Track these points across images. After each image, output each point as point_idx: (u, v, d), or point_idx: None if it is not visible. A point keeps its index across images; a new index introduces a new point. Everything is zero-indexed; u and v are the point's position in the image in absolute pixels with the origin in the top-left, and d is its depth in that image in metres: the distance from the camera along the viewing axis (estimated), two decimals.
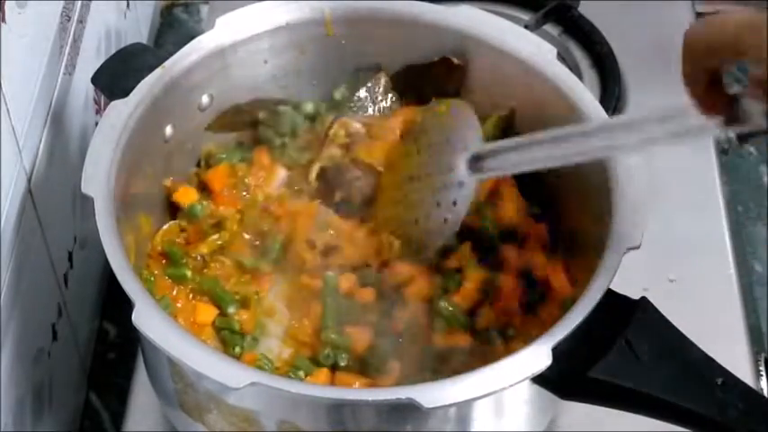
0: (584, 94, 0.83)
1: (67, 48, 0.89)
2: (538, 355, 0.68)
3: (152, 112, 0.81)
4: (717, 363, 0.70)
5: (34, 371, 0.84)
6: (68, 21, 0.89)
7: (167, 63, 0.83)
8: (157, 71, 0.82)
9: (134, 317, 0.69)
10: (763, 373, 0.93)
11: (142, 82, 0.81)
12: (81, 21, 0.93)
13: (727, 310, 0.95)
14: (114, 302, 1.02)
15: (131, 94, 0.80)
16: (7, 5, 0.75)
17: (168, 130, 0.84)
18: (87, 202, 0.95)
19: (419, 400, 0.66)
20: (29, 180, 0.82)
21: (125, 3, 1.09)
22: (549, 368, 0.68)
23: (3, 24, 0.74)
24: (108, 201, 0.75)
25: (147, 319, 0.70)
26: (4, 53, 0.74)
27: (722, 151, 1.10)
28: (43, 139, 0.85)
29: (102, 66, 0.85)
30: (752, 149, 1.15)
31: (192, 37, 0.86)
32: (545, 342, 0.69)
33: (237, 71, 0.87)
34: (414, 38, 0.89)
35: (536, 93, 0.85)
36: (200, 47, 0.85)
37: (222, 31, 0.86)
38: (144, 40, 1.18)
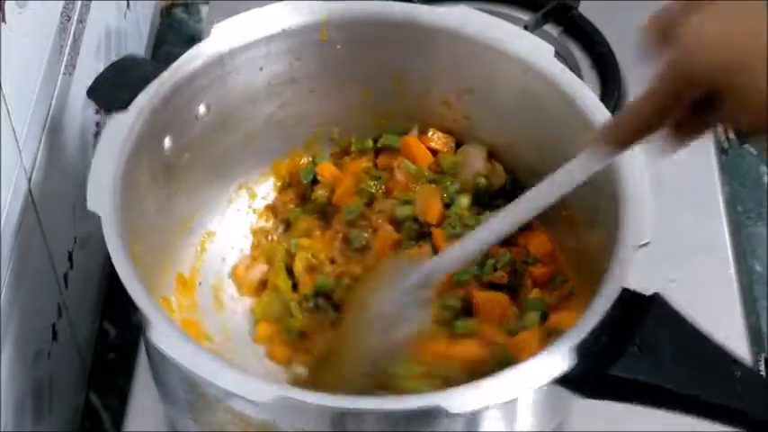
0: (585, 91, 0.83)
1: (67, 48, 0.89)
2: (560, 356, 0.68)
3: (152, 123, 0.80)
4: (732, 355, 0.71)
5: (34, 371, 0.84)
6: (68, 21, 0.89)
7: (165, 74, 0.82)
8: (156, 82, 0.81)
9: (152, 336, 0.69)
10: (764, 373, 0.93)
11: (141, 93, 0.80)
12: (81, 21, 0.93)
13: (727, 310, 0.95)
14: (114, 302, 1.02)
15: (131, 107, 0.79)
16: (7, 5, 0.75)
17: (167, 141, 0.83)
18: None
19: (446, 407, 0.66)
20: (29, 180, 0.82)
21: (125, 3, 1.09)
22: (571, 368, 0.68)
23: (3, 24, 0.74)
24: (114, 217, 0.74)
25: (166, 337, 0.69)
26: (4, 53, 0.74)
27: (722, 151, 1.10)
28: (43, 140, 0.85)
29: (97, 78, 0.84)
30: (752, 149, 1.15)
31: (193, 37, 0.86)
32: (566, 342, 0.69)
33: (234, 79, 0.87)
34: (410, 40, 0.88)
35: (535, 93, 0.85)
36: (198, 56, 0.84)
37: (218, 40, 0.85)
38: (144, 41, 1.18)
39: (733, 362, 0.70)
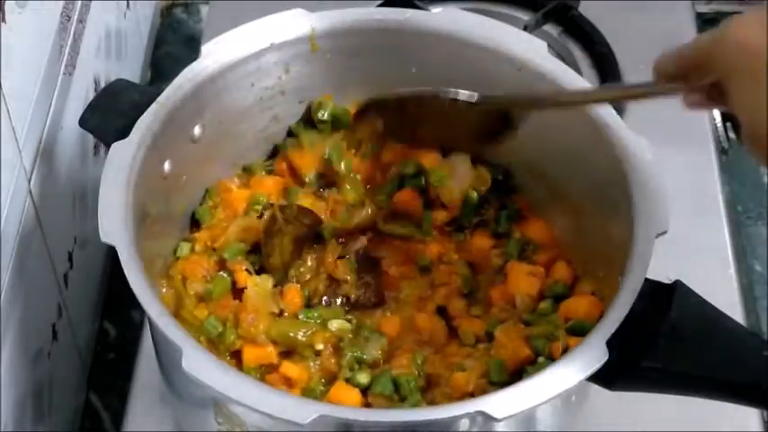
0: (582, 83, 0.83)
1: (67, 48, 0.90)
2: (593, 352, 0.69)
3: (153, 149, 0.79)
4: (759, 336, 0.72)
5: (34, 371, 0.84)
6: (68, 21, 0.89)
7: (162, 98, 0.80)
8: (154, 107, 0.80)
9: (185, 364, 0.68)
10: None
11: (140, 119, 0.79)
12: (81, 21, 0.93)
13: (727, 310, 0.95)
14: (114, 303, 1.02)
15: (132, 134, 0.78)
16: (7, 5, 0.75)
17: (167, 165, 0.82)
18: (87, 202, 0.96)
19: (490, 412, 0.66)
20: (29, 180, 0.82)
21: (125, 3, 1.09)
22: (604, 362, 0.68)
23: (3, 24, 0.74)
24: (130, 247, 0.73)
25: (199, 365, 0.68)
26: (4, 53, 0.74)
27: (722, 151, 1.10)
28: (43, 139, 0.85)
29: (88, 107, 0.83)
30: None
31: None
32: (598, 337, 0.69)
33: (226, 97, 0.86)
34: (400, 46, 0.88)
35: (532, 89, 0.85)
36: (191, 77, 0.83)
37: (209, 59, 0.84)
38: (144, 40, 1.18)
39: (760, 342, 0.71)
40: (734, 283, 0.97)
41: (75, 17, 0.92)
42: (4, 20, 0.74)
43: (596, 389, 0.73)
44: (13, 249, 0.79)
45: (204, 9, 1.25)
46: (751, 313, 0.98)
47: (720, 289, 0.96)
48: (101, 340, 1.00)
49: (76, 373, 0.95)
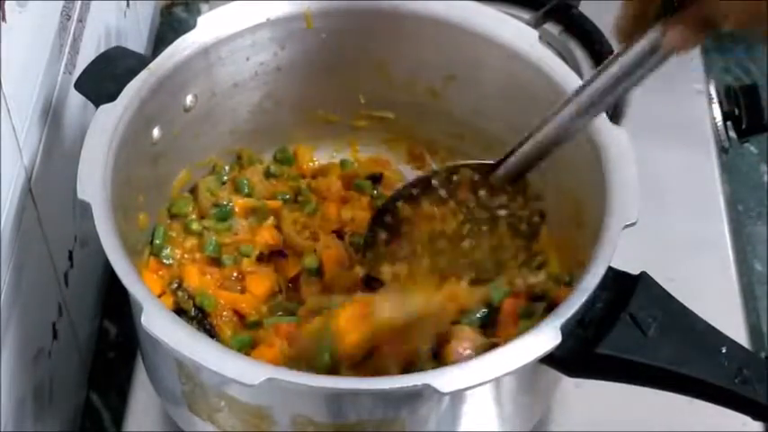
0: (571, 76, 0.83)
1: (67, 47, 0.89)
2: (547, 335, 0.69)
3: (140, 114, 0.81)
4: (720, 332, 0.72)
5: (34, 371, 0.84)
6: (68, 20, 0.89)
7: (152, 65, 0.82)
8: (143, 73, 0.82)
9: (143, 320, 0.69)
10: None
11: (129, 85, 0.81)
12: (81, 20, 0.93)
13: (727, 310, 0.95)
14: (115, 302, 1.02)
15: (119, 98, 0.80)
16: (7, 5, 0.75)
17: (156, 132, 0.84)
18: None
19: (436, 386, 0.66)
20: (29, 179, 0.82)
21: (125, 2, 1.09)
22: (557, 346, 0.69)
23: (3, 24, 0.74)
24: (105, 205, 0.75)
25: (157, 321, 0.69)
26: (4, 53, 0.74)
27: (722, 150, 1.10)
28: (43, 138, 0.85)
29: (83, 71, 0.85)
30: (752, 148, 1.15)
31: None
32: (553, 321, 0.70)
33: (220, 69, 0.87)
34: (394, 29, 0.89)
35: (520, 78, 0.86)
36: (184, 47, 0.85)
37: (204, 30, 0.86)
38: (144, 40, 1.18)
39: (719, 337, 0.71)
40: (734, 283, 0.97)
41: (75, 16, 0.92)
42: (4, 19, 0.74)
43: (583, 383, 0.74)
44: (13, 249, 0.79)
45: (205, 8, 1.25)
46: (751, 313, 0.98)
47: (720, 289, 0.96)
48: (101, 339, 1.00)
49: (77, 373, 0.95)
